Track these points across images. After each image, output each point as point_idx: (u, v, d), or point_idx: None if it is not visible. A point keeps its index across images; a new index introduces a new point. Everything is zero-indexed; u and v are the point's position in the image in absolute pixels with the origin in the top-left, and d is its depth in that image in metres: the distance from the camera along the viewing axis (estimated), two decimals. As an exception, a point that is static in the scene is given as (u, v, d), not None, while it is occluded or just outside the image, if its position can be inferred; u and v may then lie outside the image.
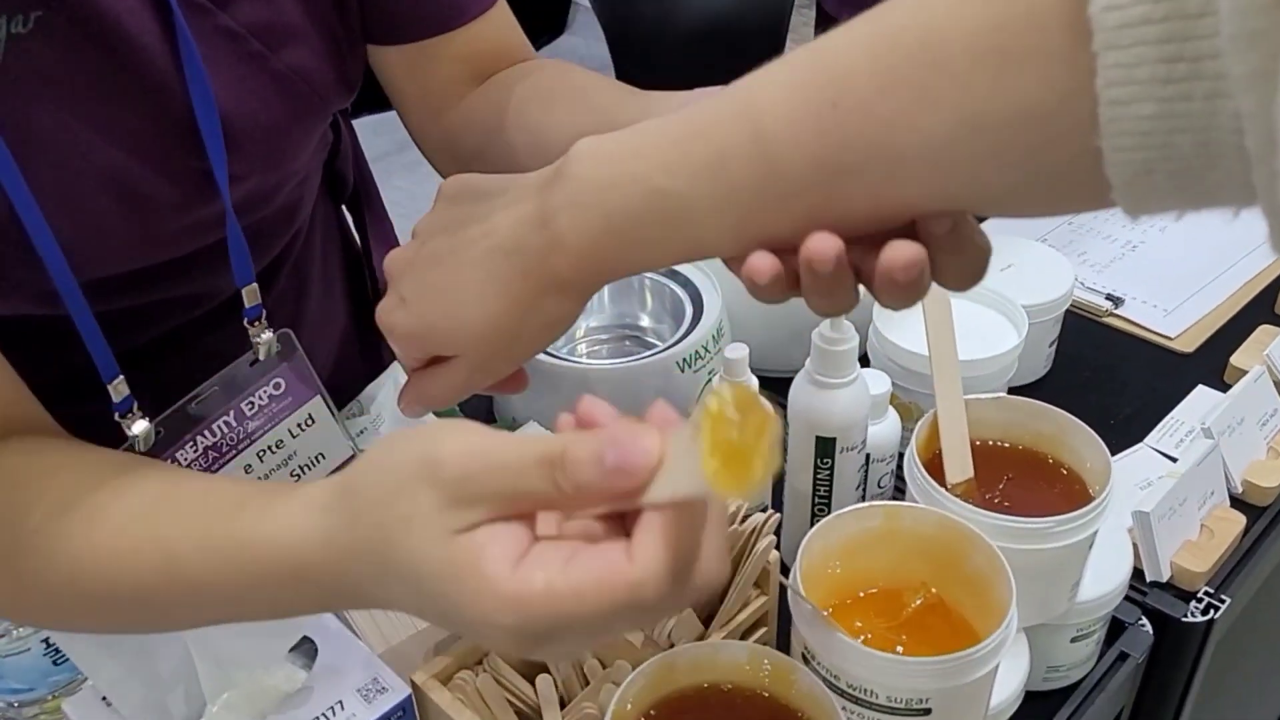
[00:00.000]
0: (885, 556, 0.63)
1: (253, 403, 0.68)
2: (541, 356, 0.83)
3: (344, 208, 0.88)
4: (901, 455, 0.75)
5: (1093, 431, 0.67)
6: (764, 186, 0.40)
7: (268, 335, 0.67)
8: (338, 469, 0.75)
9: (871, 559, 0.63)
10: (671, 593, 0.36)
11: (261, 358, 0.68)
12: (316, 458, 0.74)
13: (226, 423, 0.66)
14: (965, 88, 0.36)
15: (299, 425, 0.71)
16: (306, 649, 0.60)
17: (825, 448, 0.73)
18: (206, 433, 0.66)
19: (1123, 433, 0.89)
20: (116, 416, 0.60)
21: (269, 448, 0.70)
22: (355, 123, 0.88)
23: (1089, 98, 0.33)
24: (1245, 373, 0.89)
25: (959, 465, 0.67)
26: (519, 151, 0.68)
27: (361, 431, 0.88)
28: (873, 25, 0.38)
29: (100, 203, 0.57)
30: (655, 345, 0.89)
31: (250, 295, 0.65)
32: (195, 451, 0.65)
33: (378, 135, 1.13)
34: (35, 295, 0.58)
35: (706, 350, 0.85)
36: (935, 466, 0.67)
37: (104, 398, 0.60)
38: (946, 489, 0.65)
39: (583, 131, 0.45)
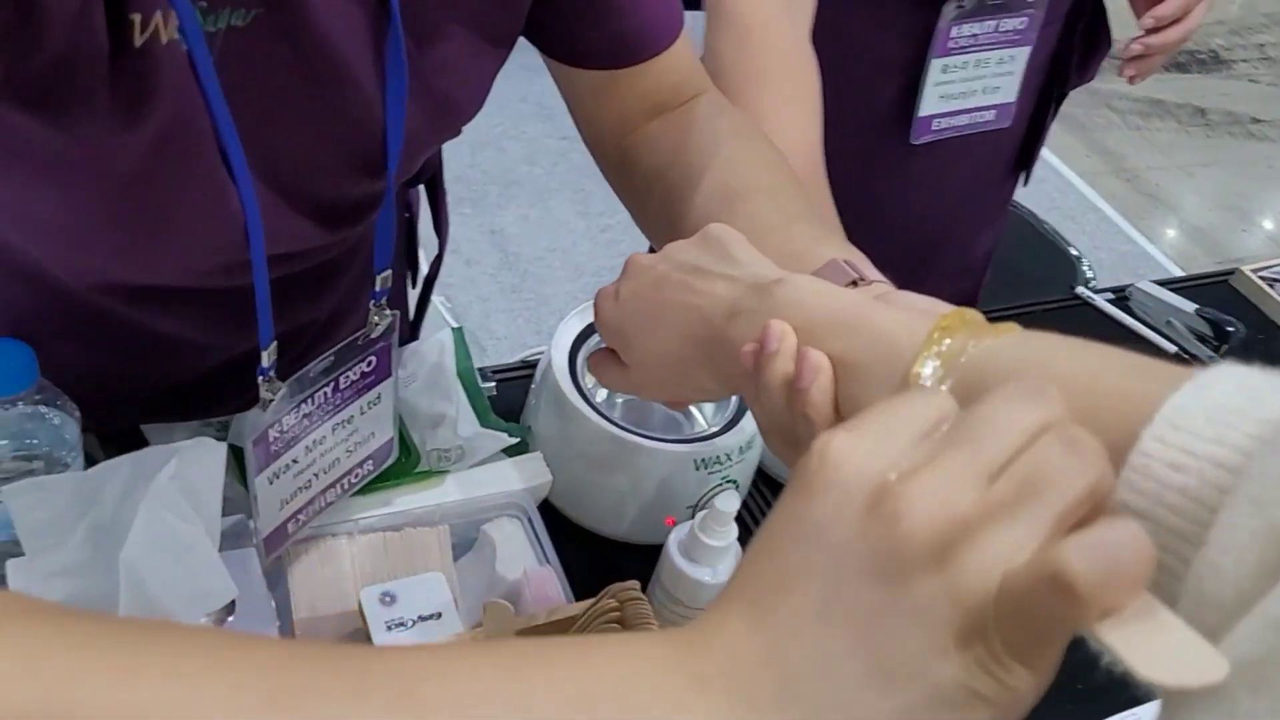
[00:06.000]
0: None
1: (348, 376, 0.70)
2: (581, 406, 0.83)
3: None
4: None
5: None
6: None
7: (388, 316, 0.70)
8: (380, 448, 0.78)
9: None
10: None
11: (373, 335, 0.70)
12: (369, 435, 0.76)
13: (325, 393, 0.69)
14: None
15: (369, 404, 0.74)
16: (225, 609, 0.65)
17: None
18: (308, 400, 0.68)
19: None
20: (260, 380, 0.63)
21: (342, 423, 0.72)
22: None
23: None
24: None
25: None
26: (684, 222, 0.69)
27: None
28: None
29: (283, 199, 0.62)
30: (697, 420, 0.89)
31: (383, 281, 0.69)
32: (296, 417, 0.67)
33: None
34: (227, 267, 0.62)
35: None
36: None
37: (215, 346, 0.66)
38: None
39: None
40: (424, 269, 0.98)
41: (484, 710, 0.31)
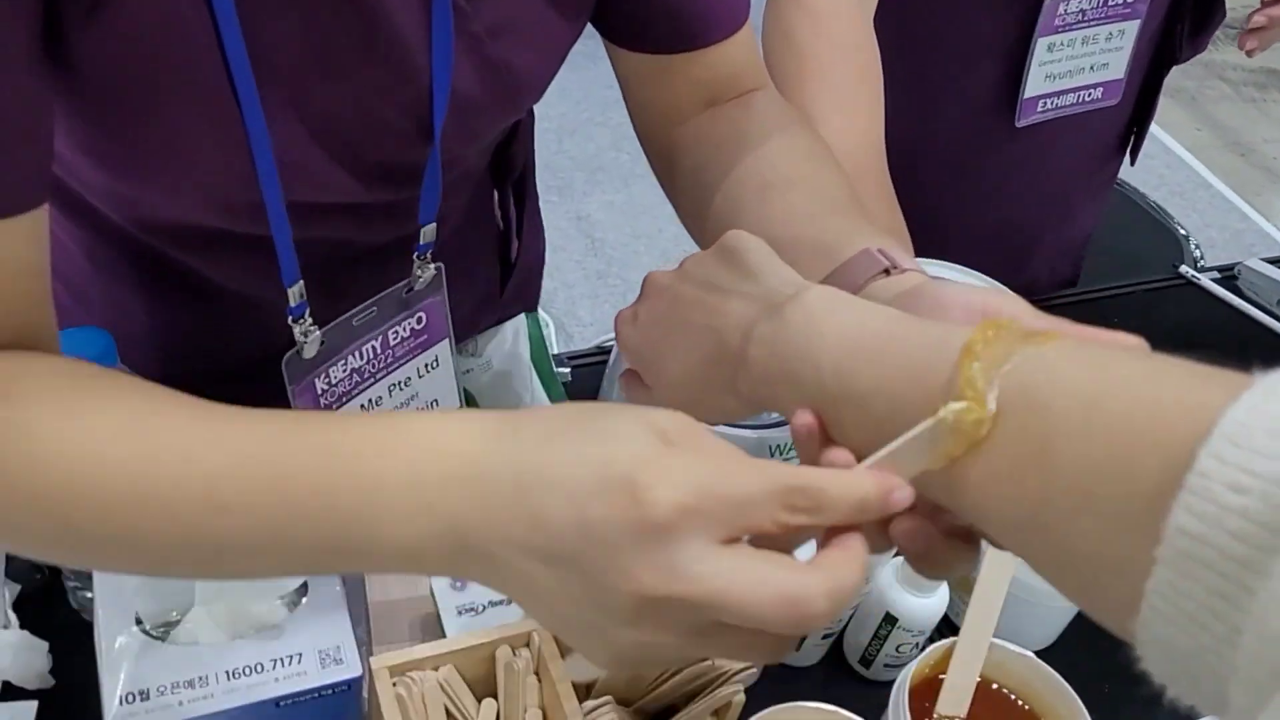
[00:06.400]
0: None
1: (397, 332, 0.70)
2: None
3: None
4: (938, 632, 0.74)
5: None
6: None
7: (431, 270, 0.70)
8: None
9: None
10: (825, 612, 0.39)
11: (417, 288, 0.70)
12: (432, 403, 0.76)
13: (373, 347, 0.69)
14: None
15: (426, 366, 0.74)
16: (298, 591, 0.66)
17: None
18: (355, 354, 0.67)
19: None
20: (290, 320, 0.63)
21: (399, 384, 0.72)
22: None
23: (1143, 575, 0.33)
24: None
25: (955, 701, 0.65)
26: (719, 218, 0.67)
27: (468, 371, 0.92)
28: None
29: (313, 145, 0.60)
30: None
31: (427, 234, 0.69)
32: (344, 371, 0.67)
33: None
34: (253, 205, 0.60)
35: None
36: (932, 687, 0.65)
37: (273, 304, 0.64)
38: (932, 718, 0.64)
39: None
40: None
41: (272, 514, 0.42)
